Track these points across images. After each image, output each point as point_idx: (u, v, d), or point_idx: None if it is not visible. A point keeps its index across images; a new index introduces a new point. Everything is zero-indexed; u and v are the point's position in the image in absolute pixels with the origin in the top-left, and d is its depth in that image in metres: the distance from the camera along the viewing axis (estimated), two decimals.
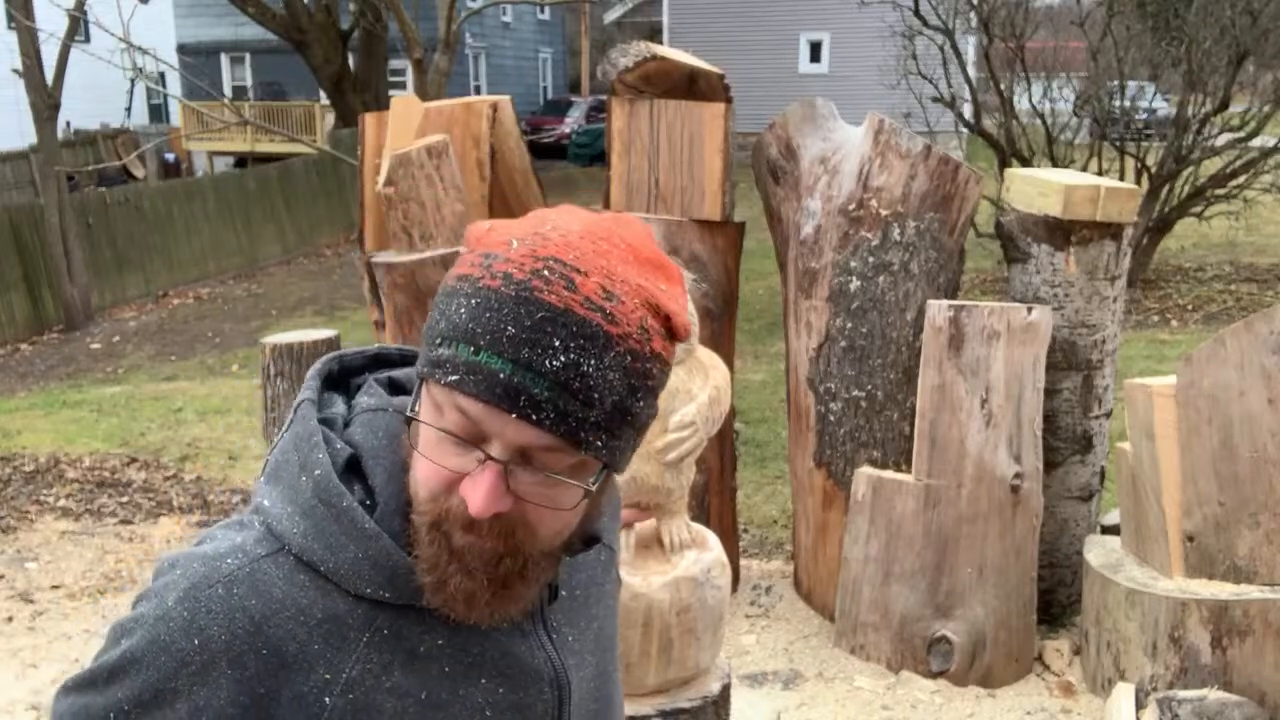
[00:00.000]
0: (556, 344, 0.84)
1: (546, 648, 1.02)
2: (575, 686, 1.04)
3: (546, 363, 0.84)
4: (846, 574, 4.09)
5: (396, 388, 1.04)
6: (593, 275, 0.86)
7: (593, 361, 0.85)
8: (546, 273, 0.85)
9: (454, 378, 0.85)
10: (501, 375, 0.84)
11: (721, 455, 4.44)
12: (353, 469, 0.95)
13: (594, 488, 0.91)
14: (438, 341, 0.87)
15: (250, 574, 0.91)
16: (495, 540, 0.90)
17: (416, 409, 0.90)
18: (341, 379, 1.05)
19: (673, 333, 0.91)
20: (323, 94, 20.79)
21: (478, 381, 0.84)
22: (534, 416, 0.84)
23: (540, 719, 1.02)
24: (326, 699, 0.91)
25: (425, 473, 0.90)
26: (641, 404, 0.91)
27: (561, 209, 0.94)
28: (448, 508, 0.89)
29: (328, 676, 0.91)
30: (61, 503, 5.89)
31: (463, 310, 0.86)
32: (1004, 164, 9.92)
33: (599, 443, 0.88)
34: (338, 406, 1.01)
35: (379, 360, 1.07)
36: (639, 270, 0.89)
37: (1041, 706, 3.81)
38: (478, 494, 0.86)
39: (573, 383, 0.85)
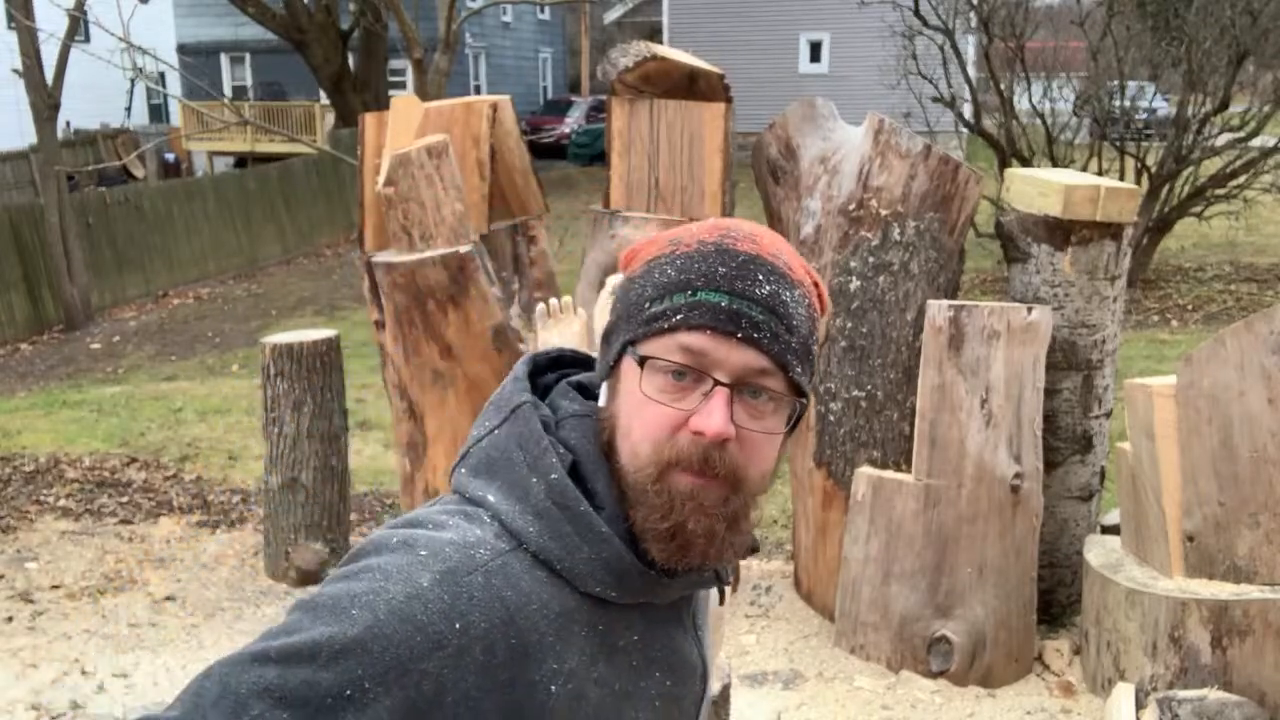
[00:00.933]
0: (760, 277, 0.98)
1: (698, 645, 1.11)
2: (709, 681, 1.14)
3: (756, 290, 0.97)
4: (846, 574, 4.09)
5: (586, 394, 1.08)
6: (764, 239, 1.01)
7: (788, 294, 0.99)
8: (733, 234, 1.00)
9: (677, 318, 0.96)
10: (722, 304, 0.96)
11: None
12: (572, 474, 1.00)
13: (802, 407, 1.02)
14: (647, 305, 0.98)
15: (503, 566, 0.95)
16: (722, 479, 0.97)
17: (639, 357, 0.97)
18: (531, 378, 1.10)
19: (822, 300, 1.06)
20: (323, 94, 20.79)
21: (701, 314, 0.96)
22: (754, 335, 0.96)
23: (689, 709, 1.11)
24: (553, 687, 0.95)
25: (648, 422, 0.97)
26: (815, 349, 1.04)
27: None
28: (675, 452, 0.96)
29: (555, 666, 0.95)
30: (61, 503, 5.89)
31: (670, 270, 0.98)
32: (1004, 164, 9.92)
33: (799, 368, 1.00)
34: (543, 411, 1.04)
35: (558, 363, 1.13)
36: (789, 250, 1.04)
37: (1041, 706, 3.81)
38: (715, 416, 0.95)
39: (779, 308, 0.98)
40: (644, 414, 0.97)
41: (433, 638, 0.89)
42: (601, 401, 1.03)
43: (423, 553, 0.93)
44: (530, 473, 0.99)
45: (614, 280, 2.39)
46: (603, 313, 2.38)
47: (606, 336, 1.03)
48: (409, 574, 0.91)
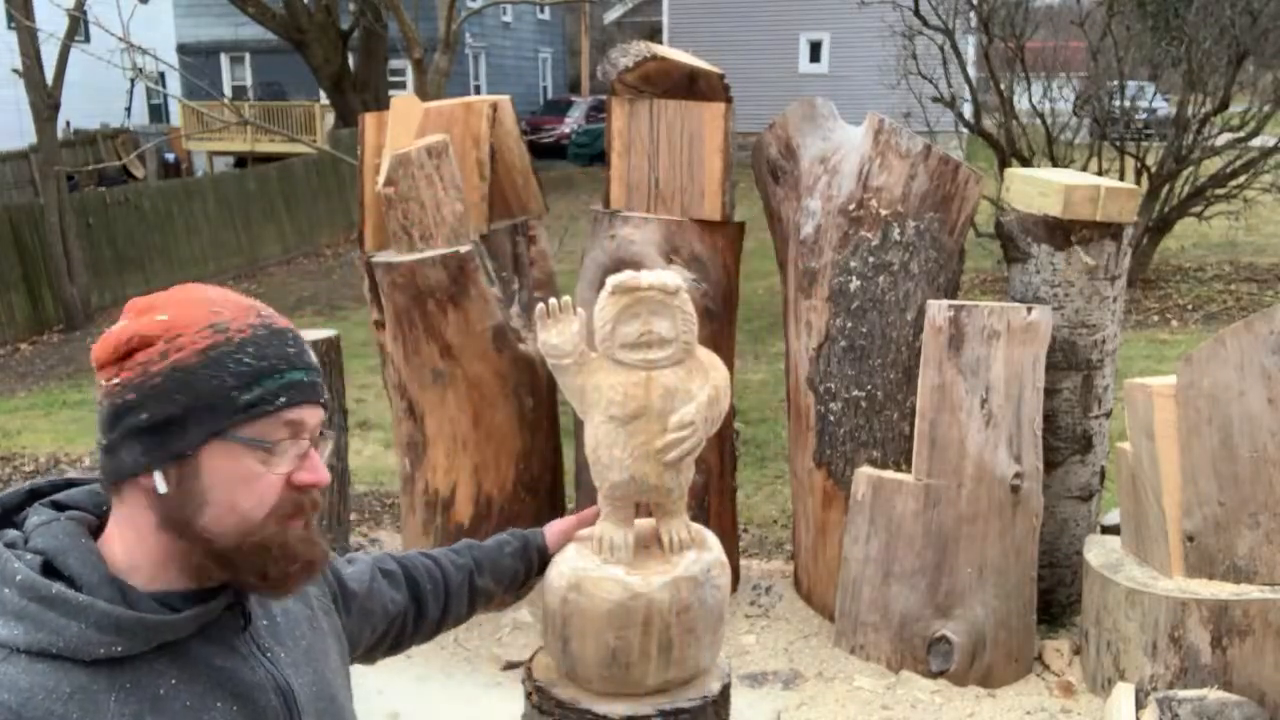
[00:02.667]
0: (304, 347, 1.21)
1: (264, 664, 1.22)
2: (300, 690, 1.25)
3: (310, 359, 1.21)
4: (846, 574, 4.09)
5: (61, 508, 1.20)
6: (271, 310, 1.23)
7: (310, 349, 1.24)
8: (264, 312, 1.20)
9: (280, 400, 1.15)
10: (304, 380, 1.18)
11: (721, 455, 4.44)
12: (47, 571, 1.11)
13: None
14: (234, 395, 1.13)
15: None
16: (316, 506, 1.20)
17: (248, 440, 1.14)
18: (5, 518, 1.20)
19: None
20: (323, 94, 20.78)
21: (298, 392, 1.17)
22: (322, 399, 1.21)
23: None
24: None
25: (261, 491, 1.15)
26: None
27: (180, 290, 1.20)
28: (291, 507, 1.16)
29: None
30: None
31: (245, 359, 1.14)
32: (1004, 164, 9.91)
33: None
34: (10, 534, 1.16)
35: (34, 494, 1.24)
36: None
37: (1041, 706, 3.81)
38: (320, 470, 1.19)
39: (318, 366, 1.23)
40: (253, 487, 1.14)
41: None
42: (162, 489, 1.12)
43: None
44: (1, 585, 1.08)
45: (614, 280, 2.39)
46: (601, 313, 2.38)
47: (165, 425, 1.12)
48: None
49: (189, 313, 1.14)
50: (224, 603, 1.18)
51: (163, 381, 1.11)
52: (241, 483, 1.13)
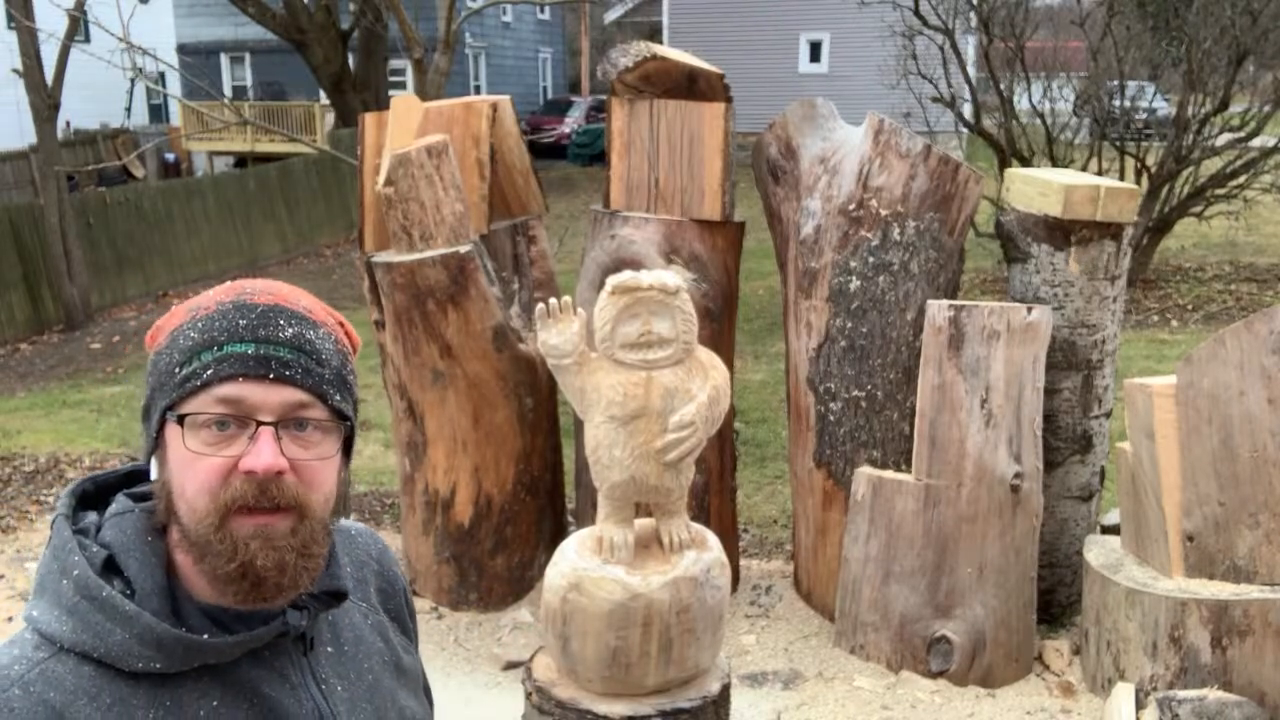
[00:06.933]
0: (282, 322, 1.07)
1: (315, 697, 1.14)
2: None
3: (280, 334, 1.06)
4: (846, 574, 4.09)
5: (146, 499, 1.14)
6: (282, 290, 1.11)
7: (312, 333, 1.09)
8: (249, 290, 1.09)
9: (208, 373, 1.03)
10: (249, 352, 1.04)
11: (721, 455, 4.44)
12: (110, 567, 1.07)
13: (350, 430, 1.11)
14: (176, 370, 1.05)
15: (41, 673, 1.02)
16: (285, 510, 1.05)
17: (178, 417, 1.04)
18: (100, 496, 1.16)
19: (350, 338, 1.16)
20: (323, 94, 20.77)
21: (231, 365, 1.03)
22: (286, 374, 1.05)
23: None
24: None
25: (199, 474, 1.04)
26: (352, 377, 1.14)
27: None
28: (230, 496, 1.03)
29: None
30: None
31: (192, 334, 1.06)
32: (1004, 164, 9.91)
33: (338, 396, 1.09)
34: (90, 518, 1.12)
35: (133, 477, 1.18)
36: (309, 297, 1.14)
37: (1041, 706, 3.81)
38: (262, 454, 1.03)
39: (305, 346, 1.07)
40: (194, 469, 1.04)
41: None
42: (153, 475, 1.08)
43: None
44: (60, 576, 1.05)
45: (614, 280, 2.39)
46: (601, 313, 2.38)
47: (146, 412, 1.08)
48: None
49: (192, 300, 1.11)
50: (275, 630, 1.09)
51: (148, 366, 1.10)
52: (184, 465, 1.04)
